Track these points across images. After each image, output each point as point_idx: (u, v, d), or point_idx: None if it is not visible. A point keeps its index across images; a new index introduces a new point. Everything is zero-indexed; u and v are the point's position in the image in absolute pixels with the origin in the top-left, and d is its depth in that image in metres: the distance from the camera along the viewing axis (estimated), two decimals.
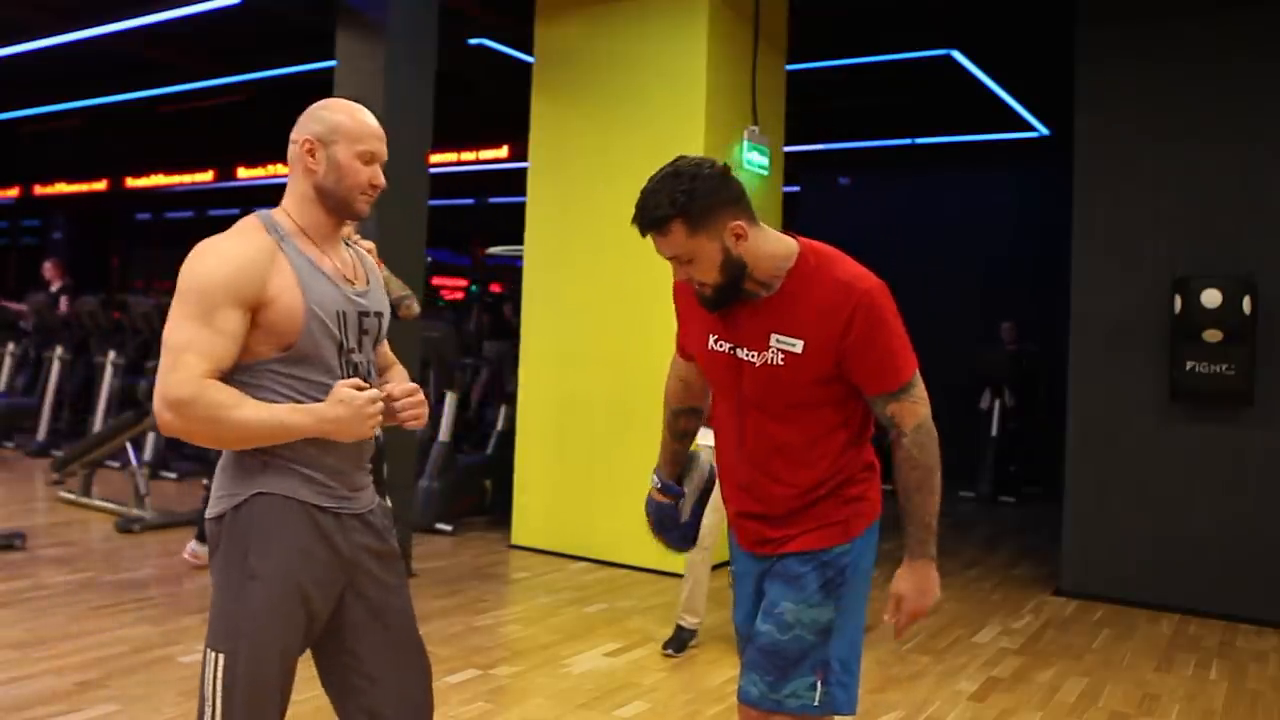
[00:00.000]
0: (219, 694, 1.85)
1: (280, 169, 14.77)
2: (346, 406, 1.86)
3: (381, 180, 1.98)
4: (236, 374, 1.85)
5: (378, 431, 1.97)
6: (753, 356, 2.03)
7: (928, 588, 2.04)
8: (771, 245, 2.01)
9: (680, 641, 4.51)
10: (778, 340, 2.00)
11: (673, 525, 2.33)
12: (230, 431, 1.80)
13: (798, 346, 1.99)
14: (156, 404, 1.78)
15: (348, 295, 1.96)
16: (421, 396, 2.05)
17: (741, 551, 2.25)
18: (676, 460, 2.35)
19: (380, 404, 1.91)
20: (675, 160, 1.98)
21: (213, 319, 1.79)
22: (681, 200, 1.90)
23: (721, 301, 2.02)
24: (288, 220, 1.95)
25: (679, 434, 2.36)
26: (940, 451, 2.04)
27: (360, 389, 1.89)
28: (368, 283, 2.05)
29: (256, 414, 1.81)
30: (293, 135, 1.96)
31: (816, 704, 2.04)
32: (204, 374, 1.78)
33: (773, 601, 2.10)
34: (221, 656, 1.85)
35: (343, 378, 1.92)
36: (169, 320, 1.82)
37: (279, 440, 1.86)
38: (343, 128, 1.93)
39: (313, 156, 1.93)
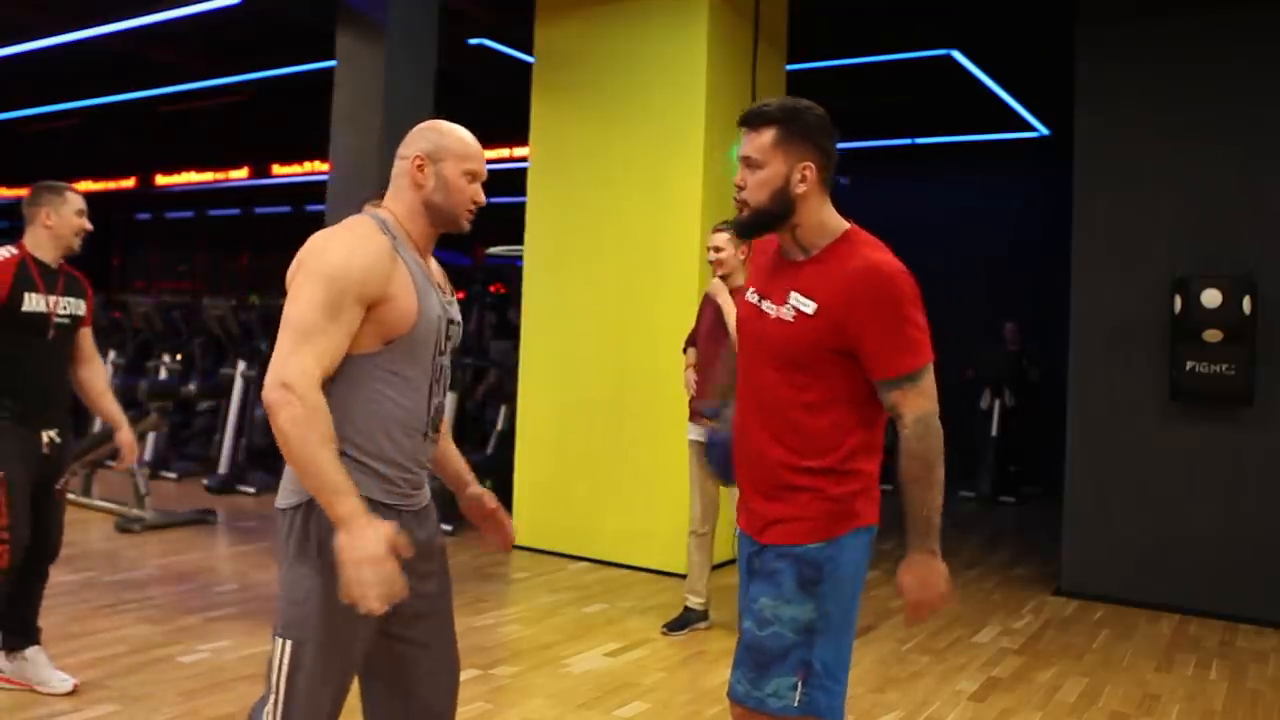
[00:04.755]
0: (284, 680, 1.88)
1: (283, 169, 14.78)
2: (373, 570, 1.74)
3: (483, 198, 2.08)
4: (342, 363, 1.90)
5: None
6: (772, 309, 2.13)
7: (930, 580, 2.02)
8: (825, 215, 2.13)
9: (682, 621, 4.54)
10: (795, 298, 2.09)
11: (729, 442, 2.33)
12: (300, 450, 1.77)
13: (809, 307, 2.06)
14: (271, 378, 1.80)
15: (443, 303, 2.06)
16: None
17: (739, 531, 2.28)
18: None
19: (398, 589, 1.78)
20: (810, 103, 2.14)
21: (340, 311, 1.84)
22: (789, 113, 2.10)
23: (751, 228, 2.16)
24: (398, 226, 2.02)
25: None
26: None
27: (393, 557, 1.77)
28: (452, 294, 2.15)
29: (329, 463, 1.78)
30: (400, 151, 2.06)
31: (796, 705, 2.03)
32: (319, 378, 1.81)
33: (752, 597, 2.12)
34: (290, 644, 1.89)
35: (431, 378, 2.02)
36: (296, 297, 1.85)
37: (313, 492, 1.80)
38: (451, 147, 2.04)
39: (422, 172, 2.02)
